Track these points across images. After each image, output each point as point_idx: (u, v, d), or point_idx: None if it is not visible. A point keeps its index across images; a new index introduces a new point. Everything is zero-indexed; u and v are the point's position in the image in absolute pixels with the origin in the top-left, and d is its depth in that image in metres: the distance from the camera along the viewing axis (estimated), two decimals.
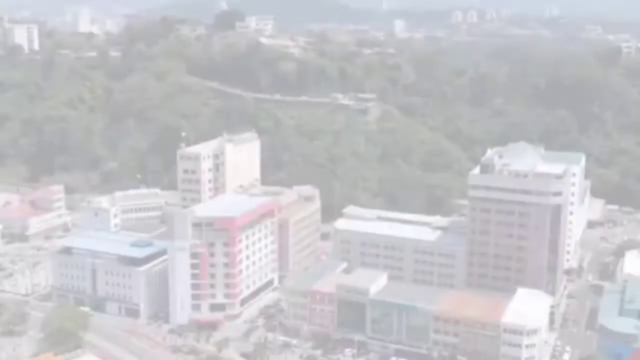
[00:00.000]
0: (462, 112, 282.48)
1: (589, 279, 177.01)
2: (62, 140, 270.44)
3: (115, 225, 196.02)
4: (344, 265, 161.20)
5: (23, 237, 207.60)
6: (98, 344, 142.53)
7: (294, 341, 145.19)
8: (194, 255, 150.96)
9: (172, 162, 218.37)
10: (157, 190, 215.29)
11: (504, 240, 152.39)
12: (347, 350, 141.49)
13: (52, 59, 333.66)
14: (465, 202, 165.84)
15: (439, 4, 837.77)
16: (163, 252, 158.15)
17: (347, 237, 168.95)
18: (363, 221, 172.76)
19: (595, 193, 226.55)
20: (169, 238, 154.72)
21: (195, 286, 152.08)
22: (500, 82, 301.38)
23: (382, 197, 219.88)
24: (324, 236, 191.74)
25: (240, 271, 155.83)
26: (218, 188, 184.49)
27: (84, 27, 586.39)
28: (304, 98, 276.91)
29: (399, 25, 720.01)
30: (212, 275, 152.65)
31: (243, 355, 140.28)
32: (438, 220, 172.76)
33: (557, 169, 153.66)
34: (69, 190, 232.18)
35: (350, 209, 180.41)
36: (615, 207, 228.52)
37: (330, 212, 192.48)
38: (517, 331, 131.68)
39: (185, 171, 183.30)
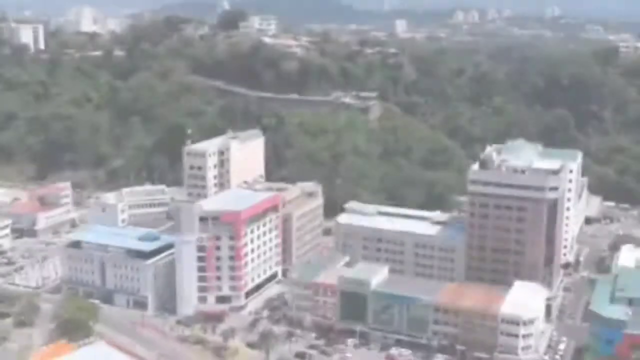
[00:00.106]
0: (462, 110, 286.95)
1: (585, 273, 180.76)
2: (69, 138, 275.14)
3: (123, 220, 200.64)
4: (346, 258, 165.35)
5: (31, 232, 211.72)
6: (107, 335, 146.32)
7: (298, 332, 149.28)
8: (200, 249, 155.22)
9: (177, 159, 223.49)
10: (163, 187, 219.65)
11: (502, 235, 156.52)
12: (349, 341, 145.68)
13: (58, 58, 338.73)
14: (464, 198, 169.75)
15: (441, 4, 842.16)
16: (170, 246, 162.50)
17: (349, 231, 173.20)
18: (364, 216, 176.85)
19: (593, 190, 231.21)
20: (176, 232, 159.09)
21: (201, 279, 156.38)
22: (500, 81, 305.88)
23: (383, 194, 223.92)
24: (326, 232, 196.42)
25: (245, 264, 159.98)
26: (223, 184, 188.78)
27: (87, 26, 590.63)
28: (307, 97, 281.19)
29: (401, 25, 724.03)
30: (218, 268, 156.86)
31: (248, 345, 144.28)
32: (438, 215, 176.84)
33: (553, 165, 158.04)
34: (75, 188, 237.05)
35: (352, 204, 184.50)
36: (613, 203, 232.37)
37: (332, 208, 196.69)
38: (514, 321, 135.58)
39: (192, 167, 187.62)
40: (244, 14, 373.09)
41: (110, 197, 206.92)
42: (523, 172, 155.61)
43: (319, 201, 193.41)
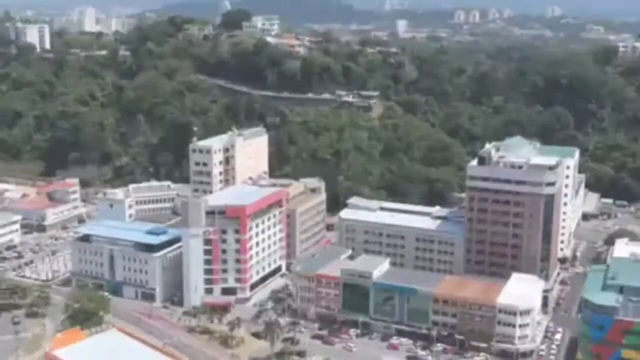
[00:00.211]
0: (462, 109, 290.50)
1: (582, 267, 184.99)
2: (75, 136, 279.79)
3: (130, 216, 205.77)
4: (349, 252, 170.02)
5: (41, 228, 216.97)
6: (117, 325, 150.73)
7: (302, 322, 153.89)
8: (207, 242, 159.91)
9: (182, 156, 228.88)
10: (169, 183, 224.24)
11: (500, 229, 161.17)
12: (352, 331, 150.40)
13: (63, 58, 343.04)
14: (464, 195, 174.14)
15: (442, 4, 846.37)
16: (177, 240, 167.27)
17: (351, 225, 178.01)
18: (366, 211, 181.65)
19: (591, 187, 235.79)
20: (183, 225, 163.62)
21: (208, 271, 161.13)
22: (500, 80, 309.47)
23: (384, 191, 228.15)
24: (329, 227, 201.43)
25: (251, 257, 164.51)
26: (228, 180, 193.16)
27: (89, 26, 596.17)
28: (310, 95, 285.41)
29: (402, 25, 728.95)
30: (224, 261, 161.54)
31: (253, 335, 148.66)
32: (438, 210, 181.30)
33: (550, 161, 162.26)
34: (82, 184, 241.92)
35: (354, 200, 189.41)
36: (610, 200, 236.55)
37: (335, 204, 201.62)
38: (511, 311, 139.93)
39: (197, 164, 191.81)
40: (247, 14, 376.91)
41: (118, 193, 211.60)
42: (520, 167, 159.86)
43: (321, 197, 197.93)
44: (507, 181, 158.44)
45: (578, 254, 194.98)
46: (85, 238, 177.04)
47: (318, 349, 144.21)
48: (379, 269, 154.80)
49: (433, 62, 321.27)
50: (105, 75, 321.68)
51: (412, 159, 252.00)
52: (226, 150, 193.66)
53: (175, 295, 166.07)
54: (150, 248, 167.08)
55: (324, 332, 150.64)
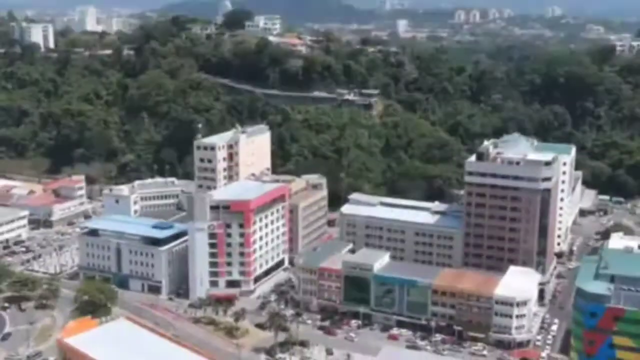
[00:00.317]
0: (462, 107, 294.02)
1: (578, 261, 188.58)
2: (80, 134, 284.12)
3: (135, 211, 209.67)
4: (350, 246, 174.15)
5: (47, 223, 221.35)
6: (124, 316, 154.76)
7: (304, 314, 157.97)
8: (212, 236, 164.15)
9: (186, 154, 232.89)
10: (173, 180, 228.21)
11: (497, 223, 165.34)
12: (353, 322, 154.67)
13: (67, 57, 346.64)
14: (463, 192, 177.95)
15: (442, 4, 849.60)
16: (182, 234, 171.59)
17: (352, 220, 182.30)
18: (367, 206, 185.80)
19: (588, 184, 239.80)
20: (189, 220, 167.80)
21: (212, 264, 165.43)
22: (499, 79, 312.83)
23: (384, 187, 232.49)
24: (331, 223, 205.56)
25: (254, 251, 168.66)
26: (232, 176, 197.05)
27: (91, 26, 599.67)
28: (311, 94, 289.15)
29: (402, 25, 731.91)
30: (229, 254, 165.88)
31: (257, 326, 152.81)
32: (437, 205, 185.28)
33: (546, 157, 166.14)
34: (88, 181, 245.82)
35: (355, 195, 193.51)
36: (607, 197, 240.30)
37: (336, 200, 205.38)
38: (508, 303, 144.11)
39: (202, 160, 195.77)
40: (249, 13, 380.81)
41: (123, 190, 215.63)
42: (517, 163, 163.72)
43: (323, 193, 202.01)
44: (504, 177, 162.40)
45: (574, 248, 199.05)
46: (93, 232, 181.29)
47: (320, 339, 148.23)
48: (380, 262, 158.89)
49: (433, 61, 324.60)
50: (109, 74, 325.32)
51: (412, 156, 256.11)
52: (230, 147, 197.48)
53: (180, 288, 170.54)
54: (156, 242, 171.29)
55: (326, 323, 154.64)
